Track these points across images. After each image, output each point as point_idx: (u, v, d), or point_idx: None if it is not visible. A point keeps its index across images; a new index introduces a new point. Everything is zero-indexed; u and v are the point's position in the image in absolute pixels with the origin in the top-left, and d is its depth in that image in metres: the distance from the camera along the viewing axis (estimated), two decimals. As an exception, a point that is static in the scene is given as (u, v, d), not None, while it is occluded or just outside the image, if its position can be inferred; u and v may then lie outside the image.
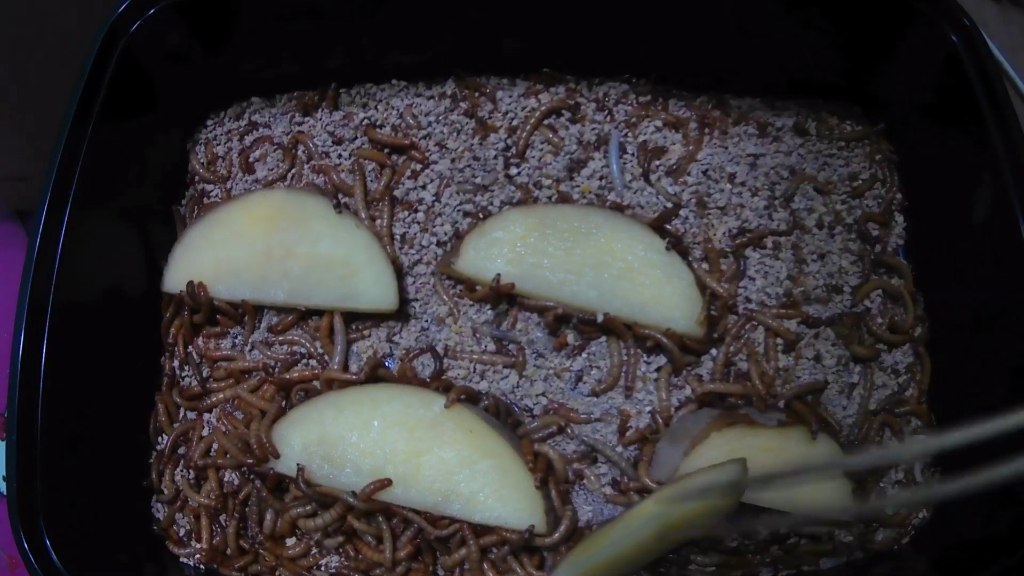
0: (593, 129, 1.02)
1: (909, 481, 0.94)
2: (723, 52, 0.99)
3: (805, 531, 0.89)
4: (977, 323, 0.91)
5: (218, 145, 1.05)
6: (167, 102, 0.99)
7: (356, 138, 1.03)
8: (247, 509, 0.93)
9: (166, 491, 0.94)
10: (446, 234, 0.99)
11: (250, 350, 0.97)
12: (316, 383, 0.94)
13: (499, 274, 0.92)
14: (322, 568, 0.91)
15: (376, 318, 0.97)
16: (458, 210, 1.00)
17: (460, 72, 1.04)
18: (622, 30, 0.97)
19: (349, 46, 1.00)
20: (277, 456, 0.88)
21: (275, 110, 1.06)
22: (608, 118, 1.03)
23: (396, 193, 1.01)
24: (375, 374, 0.92)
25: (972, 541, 0.87)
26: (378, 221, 0.99)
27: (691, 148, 1.01)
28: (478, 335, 0.97)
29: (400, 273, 0.97)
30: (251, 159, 1.04)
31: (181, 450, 0.96)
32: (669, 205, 0.99)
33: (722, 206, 1.00)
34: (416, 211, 1.01)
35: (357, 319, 0.98)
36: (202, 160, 1.05)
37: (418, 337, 0.97)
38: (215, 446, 0.94)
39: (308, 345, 0.96)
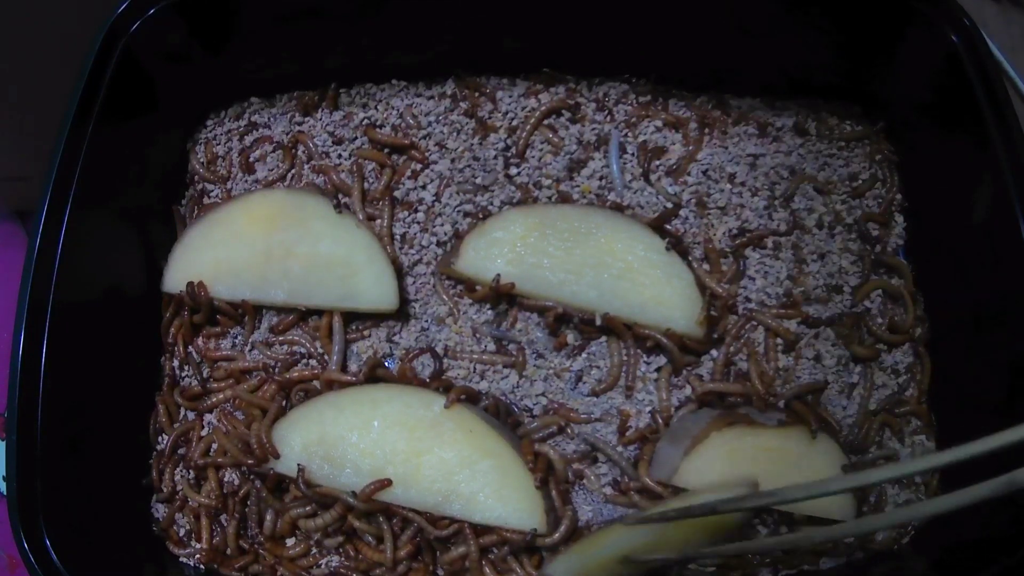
0: (593, 129, 1.02)
1: (908, 481, 0.94)
2: (723, 52, 0.99)
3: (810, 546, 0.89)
4: (977, 323, 0.91)
5: (218, 145, 1.05)
6: (167, 102, 0.99)
7: (356, 138, 1.03)
8: (247, 509, 0.93)
9: (166, 491, 0.94)
10: (446, 234, 0.99)
11: (250, 350, 0.97)
12: (316, 383, 0.94)
13: (499, 274, 0.92)
14: (322, 568, 0.91)
15: (376, 318, 0.97)
16: (458, 210, 1.00)
17: (460, 72, 1.04)
18: (622, 30, 0.97)
19: (349, 46, 1.00)
20: (277, 456, 0.88)
21: (275, 110, 1.06)
22: (608, 118, 1.03)
23: (396, 193, 1.01)
24: (374, 374, 0.92)
25: (972, 541, 0.86)
26: (378, 221, 0.99)
27: (691, 148, 1.01)
28: (478, 335, 0.97)
29: (400, 273, 0.97)
30: (251, 159, 1.04)
31: (181, 450, 0.96)
32: (669, 205, 0.99)
33: (722, 206, 1.00)
34: (416, 211, 1.01)
35: (357, 319, 0.98)
36: (202, 160, 1.05)
37: (418, 337, 0.97)
38: (215, 446, 0.94)
39: (308, 345, 0.96)
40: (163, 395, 0.97)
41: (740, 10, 0.94)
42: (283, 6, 0.94)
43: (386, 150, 1.03)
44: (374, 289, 0.93)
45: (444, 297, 0.98)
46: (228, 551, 0.92)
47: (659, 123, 1.02)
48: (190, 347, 0.98)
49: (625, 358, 0.95)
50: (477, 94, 1.04)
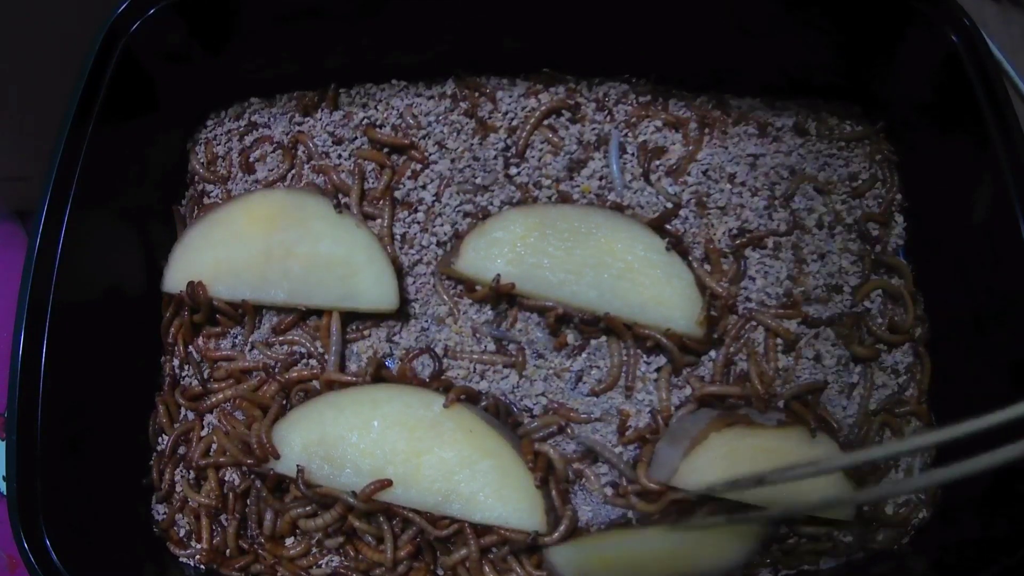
0: (593, 129, 1.02)
1: (908, 474, 0.94)
2: (723, 52, 0.99)
3: (804, 531, 0.89)
4: (977, 323, 0.91)
5: (218, 145, 1.05)
6: (167, 102, 0.99)
7: (356, 138, 1.03)
8: (247, 509, 0.93)
9: (166, 491, 0.94)
10: (446, 234, 1.00)
11: (250, 350, 0.98)
12: (316, 383, 0.94)
13: (499, 274, 0.92)
14: (322, 568, 0.91)
15: (376, 318, 0.97)
16: (458, 210, 1.00)
17: (460, 72, 1.04)
18: (622, 30, 0.97)
19: (349, 46, 1.00)
20: (277, 456, 0.88)
21: (275, 110, 1.06)
22: (608, 118, 1.03)
23: (396, 193, 1.01)
24: (378, 374, 0.92)
25: (972, 541, 0.87)
26: (378, 221, 0.99)
27: (691, 148, 1.01)
28: (478, 335, 0.97)
29: (400, 273, 0.97)
30: (251, 159, 1.04)
31: (181, 450, 0.96)
32: (669, 205, 0.99)
33: (722, 206, 1.00)
34: (416, 211, 1.01)
35: (357, 319, 0.98)
36: (202, 160, 1.05)
37: (418, 337, 0.97)
38: (215, 446, 0.94)
39: (308, 345, 0.96)
40: (163, 395, 0.97)
41: (740, 10, 0.94)
42: (283, 6, 0.94)
43: (386, 150, 1.03)
44: (374, 289, 0.93)
45: (444, 297, 0.98)
46: (228, 551, 0.92)
47: (659, 123, 1.02)
48: (190, 347, 0.98)
49: (625, 358, 0.95)
50: (477, 94, 1.04)
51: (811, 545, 0.90)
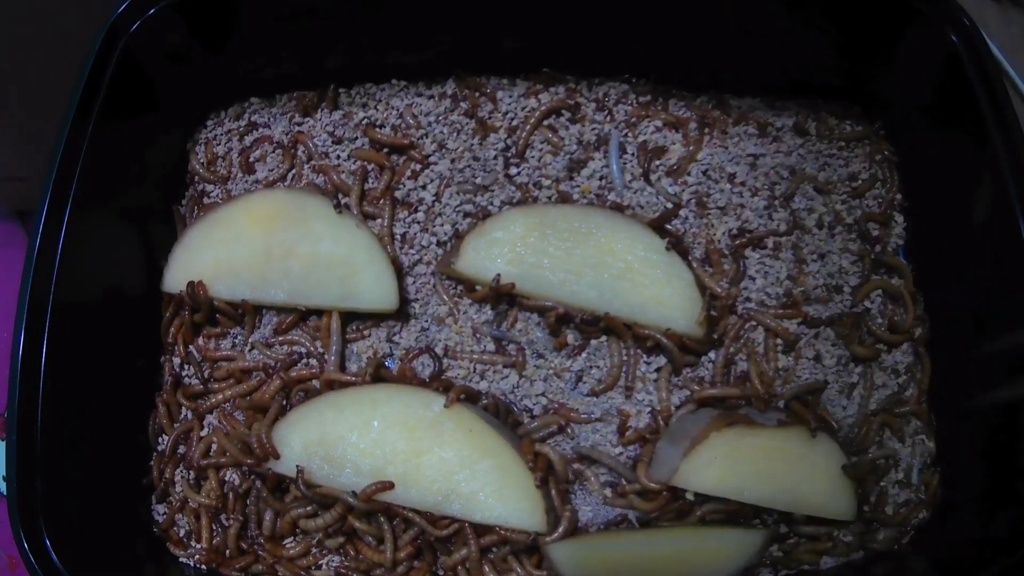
0: (593, 129, 1.02)
1: (908, 481, 0.94)
2: (723, 52, 0.99)
3: (804, 531, 0.90)
4: (977, 323, 0.91)
5: (218, 145, 1.05)
6: (167, 102, 0.99)
7: (356, 138, 1.03)
8: (247, 509, 0.93)
9: (166, 491, 0.94)
10: (446, 234, 0.99)
11: (250, 350, 0.98)
12: (316, 383, 0.94)
13: (499, 274, 0.92)
14: (322, 568, 0.91)
15: (376, 318, 0.97)
16: (458, 210, 1.00)
17: (460, 72, 1.04)
18: (622, 30, 0.97)
19: (349, 46, 1.00)
20: (277, 457, 0.88)
21: (275, 110, 1.06)
22: (608, 118, 1.03)
23: (396, 193, 1.01)
24: (378, 374, 0.92)
25: (972, 541, 0.87)
26: (378, 221, 0.99)
27: (691, 148, 1.01)
28: (478, 335, 0.97)
29: (400, 273, 0.97)
30: (251, 159, 1.04)
31: (181, 450, 0.96)
32: (669, 205, 0.99)
33: (722, 206, 1.00)
34: (416, 211, 1.01)
35: (357, 319, 0.98)
36: (202, 160, 1.05)
37: (418, 337, 0.97)
38: (215, 446, 0.94)
39: (308, 345, 0.96)
40: (163, 395, 0.97)
41: (740, 10, 0.94)
42: (283, 6, 0.94)
43: (386, 150, 1.03)
44: (374, 289, 0.93)
45: (444, 297, 0.98)
46: (228, 551, 0.92)
47: (659, 123, 1.02)
48: (190, 347, 0.98)
49: (625, 358, 0.95)
50: (477, 94, 1.04)
51: (811, 545, 0.90)
